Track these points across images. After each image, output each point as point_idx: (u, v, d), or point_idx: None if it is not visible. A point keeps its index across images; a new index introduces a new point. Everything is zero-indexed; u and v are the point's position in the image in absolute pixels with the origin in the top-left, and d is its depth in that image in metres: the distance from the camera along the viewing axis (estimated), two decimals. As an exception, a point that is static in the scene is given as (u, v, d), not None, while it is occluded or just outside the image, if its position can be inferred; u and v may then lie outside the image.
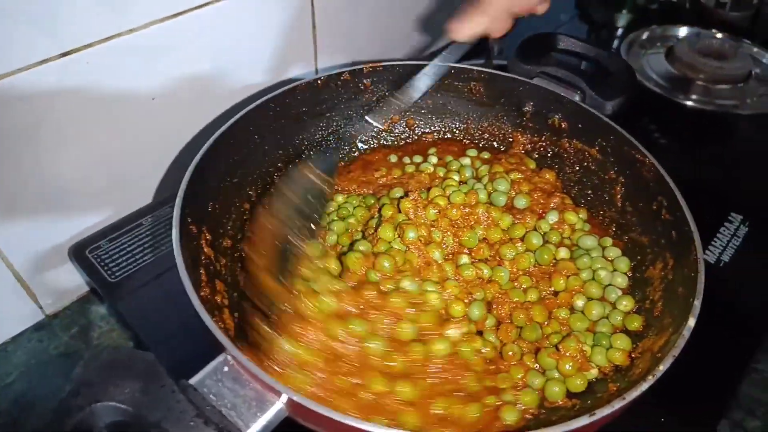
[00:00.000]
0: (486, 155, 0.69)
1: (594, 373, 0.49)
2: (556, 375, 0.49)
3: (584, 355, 0.49)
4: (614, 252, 0.58)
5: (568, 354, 0.49)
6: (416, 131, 0.72)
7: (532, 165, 0.66)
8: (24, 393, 0.59)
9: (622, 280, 0.55)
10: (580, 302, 0.54)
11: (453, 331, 0.50)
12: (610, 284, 0.55)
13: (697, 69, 0.91)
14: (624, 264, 0.56)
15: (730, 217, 0.74)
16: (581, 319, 0.52)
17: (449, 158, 0.68)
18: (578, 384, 0.48)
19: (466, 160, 0.67)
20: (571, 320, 0.53)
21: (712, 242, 0.70)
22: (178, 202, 0.46)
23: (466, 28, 0.52)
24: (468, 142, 0.71)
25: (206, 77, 0.68)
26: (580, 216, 0.60)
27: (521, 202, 0.60)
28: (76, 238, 0.66)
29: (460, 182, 0.63)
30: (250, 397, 0.34)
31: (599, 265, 0.56)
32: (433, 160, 0.68)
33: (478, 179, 0.64)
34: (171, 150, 0.71)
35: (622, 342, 0.50)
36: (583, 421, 0.34)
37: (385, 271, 0.53)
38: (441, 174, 0.65)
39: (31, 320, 0.65)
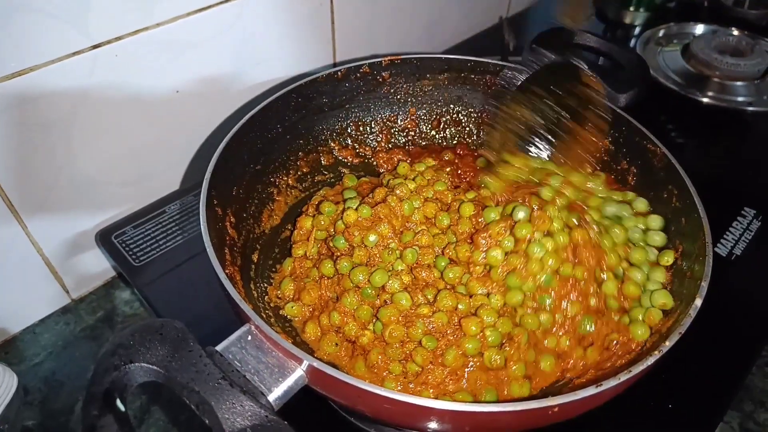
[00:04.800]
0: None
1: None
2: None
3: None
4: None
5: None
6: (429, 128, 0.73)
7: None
8: (52, 372, 0.62)
9: (660, 238, 0.55)
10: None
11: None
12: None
13: (713, 66, 0.91)
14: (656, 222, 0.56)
15: (743, 212, 0.74)
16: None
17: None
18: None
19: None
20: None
21: (725, 236, 0.71)
22: (206, 185, 0.48)
23: None
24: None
25: (229, 70, 0.70)
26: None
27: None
28: (103, 224, 0.68)
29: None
30: (273, 363, 0.36)
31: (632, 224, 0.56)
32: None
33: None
34: (194, 141, 0.73)
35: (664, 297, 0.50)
36: (590, 391, 0.35)
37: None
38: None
39: (58, 304, 0.68)
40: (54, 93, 0.56)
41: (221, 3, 0.65)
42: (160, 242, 0.68)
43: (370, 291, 0.51)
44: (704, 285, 0.43)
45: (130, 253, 0.66)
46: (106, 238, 0.67)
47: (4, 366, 0.57)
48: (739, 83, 0.90)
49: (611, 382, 0.36)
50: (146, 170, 0.69)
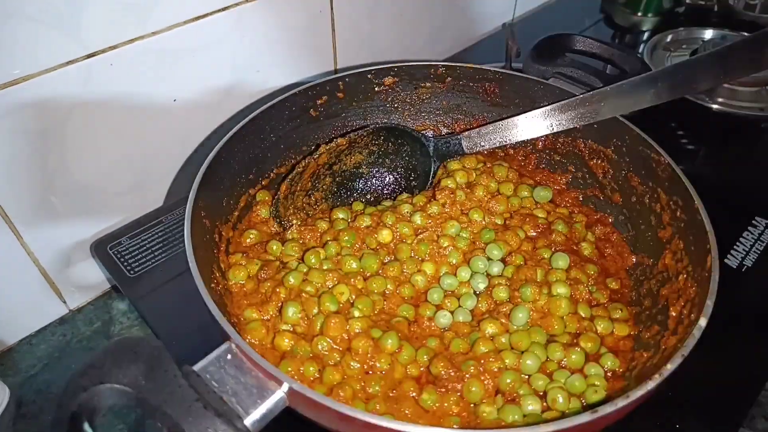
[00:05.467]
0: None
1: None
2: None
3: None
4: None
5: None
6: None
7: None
8: (48, 384, 0.61)
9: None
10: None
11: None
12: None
13: (723, 72, 0.89)
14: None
15: (754, 221, 0.72)
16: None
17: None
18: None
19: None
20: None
21: (735, 246, 0.69)
22: (191, 197, 0.47)
23: None
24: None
25: (227, 79, 0.70)
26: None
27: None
28: (99, 235, 0.68)
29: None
30: (252, 384, 0.35)
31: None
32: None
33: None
34: (191, 150, 0.72)
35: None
36: (584, 418, 0.34)
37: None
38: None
39: (55, 314, 0.67)
40: (48, 101, 0.55)
41: (219, 11, 0.64)
42: (156, 253, 0.67)
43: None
44: (709, 303, 0.41)
45: (125, 264, 0.66)
46: (101, 248, 0.66)
47: (-4, 378, 0.57)
48: (749, 89, 0.88)
49: (607, 408, 0.34)
50: (142, 179, 0.69)
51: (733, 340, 0.58)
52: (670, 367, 0.38)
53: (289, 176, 0.59)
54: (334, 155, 0.62)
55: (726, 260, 0.67)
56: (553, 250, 0.57)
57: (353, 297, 0.52)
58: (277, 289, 0.51)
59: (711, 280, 0.43)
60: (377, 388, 0.45)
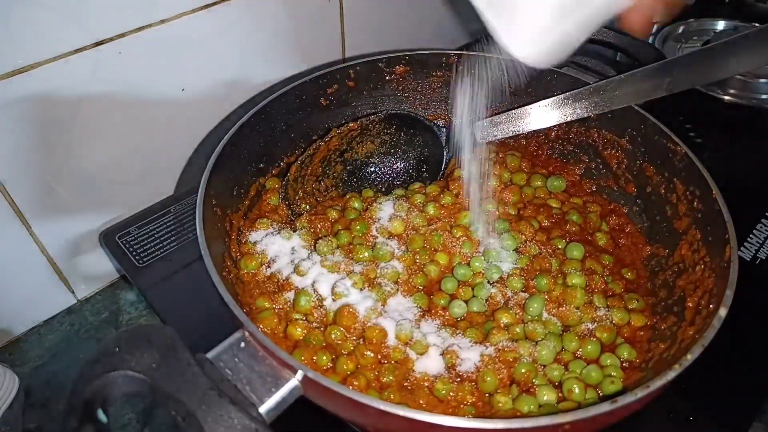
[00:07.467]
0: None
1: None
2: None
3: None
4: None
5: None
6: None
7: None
8: (55, 374, 0.61)
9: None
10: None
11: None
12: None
13: (735, 63, 0.88)
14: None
15: (767, 214, 0.71)
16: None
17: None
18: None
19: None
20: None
21: (748, 239, 0.68)
22: (203, 185, 0.47)
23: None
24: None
25: (235, 68, 0.69)
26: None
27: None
28: (107, 224, 0.67)
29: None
30: (266, 373, 0.35)
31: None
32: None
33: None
34: (200, 140, 0.71)
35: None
36: (604, 408, 0.33)
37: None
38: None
39: (63, 305, 0.67)
40: (55, 90, 0.55)
41: (227, -1, 0.64)
42: (165, 243, 0.67)
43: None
44: (729, 294, 0.41)
45: (134, 253, 0.65)
46: (110, 238, 0.66)
47: (5, 367, 0.56)
48: (762, 80, 0.86)
49: (627, 398, 0.34)
50: (151, 169, 0.68)
51: (746, 333, 0.58)
52: (690, 358, 0.37)
53: (300, 158, 0.59)
54: (346, 141, 0.62)
55: (740, 253, 0.66)
56: (567, 240, 0.57)
57: (366, 286, 0.52)
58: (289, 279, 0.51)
59: (731, 271, 0.43)
60: (391, 377, 0.45)
